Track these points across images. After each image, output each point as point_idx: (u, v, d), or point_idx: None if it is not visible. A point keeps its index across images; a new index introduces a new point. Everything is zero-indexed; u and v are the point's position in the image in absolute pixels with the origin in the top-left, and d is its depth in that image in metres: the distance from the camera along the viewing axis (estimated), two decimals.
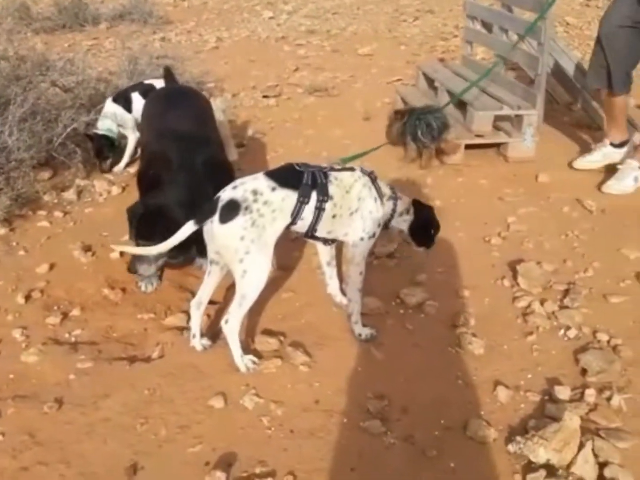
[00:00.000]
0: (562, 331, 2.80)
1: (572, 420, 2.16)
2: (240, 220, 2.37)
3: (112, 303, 3.20)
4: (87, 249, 3.61)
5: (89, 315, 3.10)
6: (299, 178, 2.49)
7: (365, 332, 2.78)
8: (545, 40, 4.53)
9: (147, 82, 4.71)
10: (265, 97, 6.30)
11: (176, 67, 6.47)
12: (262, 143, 5.11)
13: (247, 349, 2.73)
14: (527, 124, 4.67)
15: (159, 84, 4.52)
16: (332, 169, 2.61)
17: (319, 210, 2.52)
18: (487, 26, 5.45)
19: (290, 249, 3.47)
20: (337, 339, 2.81)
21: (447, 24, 9.40)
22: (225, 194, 2.43)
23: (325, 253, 2.95)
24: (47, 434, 2.36)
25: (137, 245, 2.94)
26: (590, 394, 2.39)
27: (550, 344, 2.74)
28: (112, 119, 4.53)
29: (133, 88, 4.67)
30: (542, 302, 2.98)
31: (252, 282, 2.45)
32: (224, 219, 2.38)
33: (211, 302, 2.95)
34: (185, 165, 3.05)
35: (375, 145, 3.52)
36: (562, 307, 2.96)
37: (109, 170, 4.64)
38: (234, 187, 2.44)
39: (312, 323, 2.93)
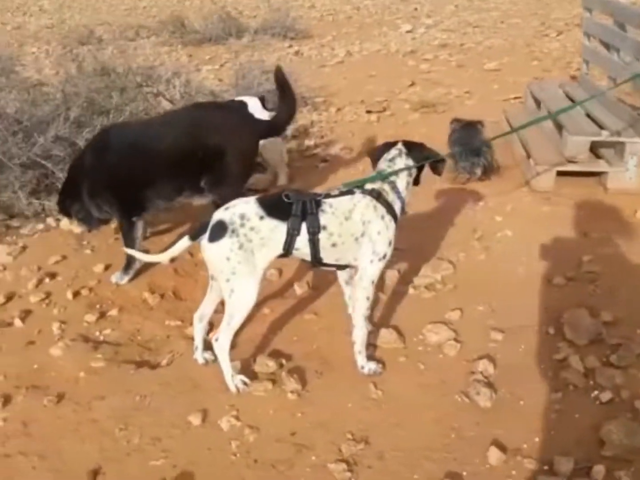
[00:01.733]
0: (595, 392, 2.42)
1: None
2: (226, 242, 2.35)
3: (148, 307, 3.31)
4: (144, 252, 3.74)
5: (124, 317, 3.23)
6: (288, 209, 2.39)
7: (370, 366, 2.60)
8: None
9: (238, 98, 4.78)
10: (368, 112, 6.22)
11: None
12: (345, 160, 5.04)
13: (246, 368, 2.67)
14: (629, 153, 4.16)
15: (252, 101, 4.63)
16: (328, 196, 2.47)
17: (313, 242, 2.41)
18: (605, 44, 4.93)
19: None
20: (340, 369, 2.66)
21: None
22: (217, 215, 2.42)
23: (343, 272, 2.81)
24: (38, 426, 2.47)
25: None
26: (598, 471, 2.04)
27: (576, 406, 2.38)
28: None
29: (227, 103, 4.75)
30: (582, 357, 2.60)
31: (238, 302, 2.40)
32: (212, 238, 2.38)
33: None
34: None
35: None
36: (606, 364, 2.57)
37: None
38: (226, 209, 2.42)
39: (322, 349, 2.81)
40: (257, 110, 4.43)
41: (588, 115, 4.50)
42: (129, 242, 3.48)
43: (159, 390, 2.61)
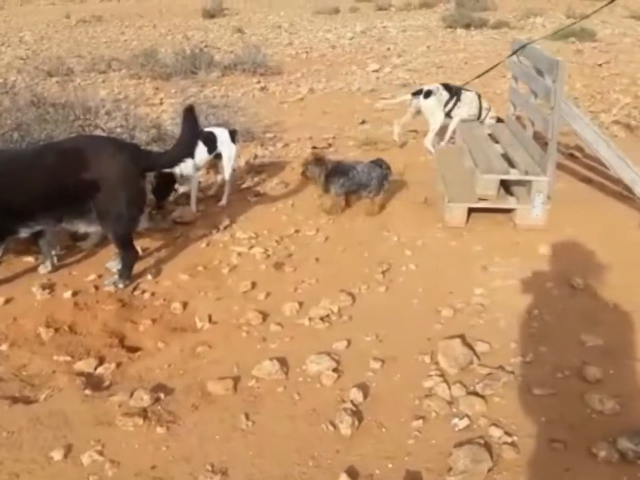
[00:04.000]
0: (455, 420, 2.48)
1: None
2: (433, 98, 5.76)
3: (40, 342, 3.29)
4: (46, 286, 3.74)
5: (14, 352, 3.21)
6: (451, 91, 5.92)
7: None
8: (557, 104, 4.19)
9: (207, 129, 4.93)
10: (314, 148, 6.28)
11: (229, 116, 6.61)
12: (278, 195, 5.12)
13: (122, 404, 2.66)
14: (536, 191, 4.31)
15: (219, 132, 4.87)
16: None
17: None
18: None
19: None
20: (218, 402, 2.68)
21: None
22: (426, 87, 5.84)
23: None
24: None
25: None
26: None
27: (434, 433, 2.43)
28: None
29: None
30: (450, 386, 2.66)
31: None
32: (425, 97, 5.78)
33: None
34: None
35: None
36: (471, 392, 2.63)
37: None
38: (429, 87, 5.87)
39: (204, 382, 2.81)
40: (226, 141, 4.81)
41: (504, 155, 4.67)
42: None
43: (27, 426, 2.57)
